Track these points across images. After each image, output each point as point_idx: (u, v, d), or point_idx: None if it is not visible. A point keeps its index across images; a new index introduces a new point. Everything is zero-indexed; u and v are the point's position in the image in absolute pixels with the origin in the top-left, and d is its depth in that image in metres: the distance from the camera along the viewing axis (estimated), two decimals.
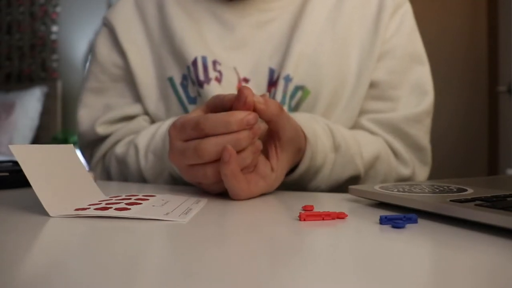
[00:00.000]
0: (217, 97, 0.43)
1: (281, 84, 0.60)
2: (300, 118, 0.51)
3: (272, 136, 0.44)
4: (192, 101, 0.63)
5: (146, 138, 0.59)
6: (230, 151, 0.38)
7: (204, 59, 0.61)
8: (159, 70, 0.65)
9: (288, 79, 0.60)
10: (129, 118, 0.67)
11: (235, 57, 0.64)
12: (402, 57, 0.65)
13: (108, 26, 0.70)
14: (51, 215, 0.31)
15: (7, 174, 0.47)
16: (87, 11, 3.28)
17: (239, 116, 0.38)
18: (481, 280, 0.19)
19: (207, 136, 0.39)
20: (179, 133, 0.41)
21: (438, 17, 2.61)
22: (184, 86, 0.63)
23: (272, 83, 0.62)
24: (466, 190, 0.36)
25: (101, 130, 0.66)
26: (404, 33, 0.65)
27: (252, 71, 0.63)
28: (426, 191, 0.37)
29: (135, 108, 0.66)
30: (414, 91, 0.65)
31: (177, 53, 0.63)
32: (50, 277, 0.18)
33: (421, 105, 0.64)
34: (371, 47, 0.63)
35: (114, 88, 0.69)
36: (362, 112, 0.64)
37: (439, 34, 2.56)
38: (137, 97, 0.67)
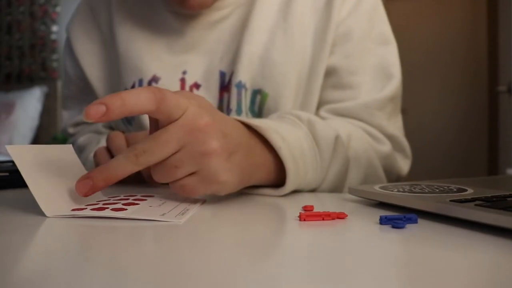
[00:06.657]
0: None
1: (234, 91, 0.57)
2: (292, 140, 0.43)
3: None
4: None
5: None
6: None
7: (140, 83, 0.61)
8: (113, 79, 0.67)
9: (240, 86, 0.57)
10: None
11: (185, 61, 0.61)
12: (360, 38, 0.59)
13: (68, 38, 0.72)
14: (47, 215, 0.31)
15: (7, 174, 0.47)
16: None
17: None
18: (481, 280, 0.19)
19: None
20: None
21: (438, 17, 2.61)
22: None
23: (224, 87, 0.59)
24: (466, 190, 0.36)
25: (71, 130, 0.76)
26: (361, 12, 0.59)
27: (203, 75, 0.60)
28: (426, 191, 0.37)
29: None
30: (378, 75, 0.59)
31: (122, 68, 0.64)
32: (46, 278, 0.18)
33: (384, 91, 0.58)
34: (324, 33, 0.58)
35: (83, 96, 0.74)
36: (321, 103, 0.60)
37: (440, 34, 2.56)
38: None
